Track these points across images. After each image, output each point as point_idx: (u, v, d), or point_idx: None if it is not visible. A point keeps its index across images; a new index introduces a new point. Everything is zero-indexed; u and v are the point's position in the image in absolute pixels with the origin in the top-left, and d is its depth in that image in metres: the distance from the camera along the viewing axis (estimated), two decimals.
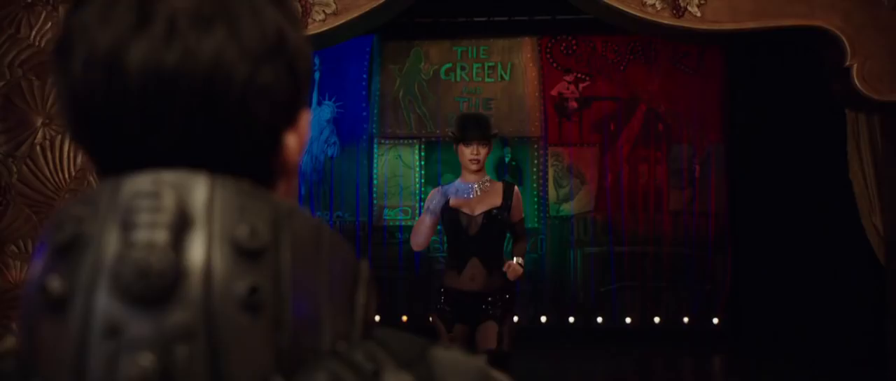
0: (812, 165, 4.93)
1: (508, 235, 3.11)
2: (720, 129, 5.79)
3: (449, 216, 3.00)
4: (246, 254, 0.43)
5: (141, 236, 0.42)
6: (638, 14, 3.23)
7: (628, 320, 5.81)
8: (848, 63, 3.10)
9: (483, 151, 2.99)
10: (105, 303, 0.41)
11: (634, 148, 5.86)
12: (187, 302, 0.41)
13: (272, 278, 0.43)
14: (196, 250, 0.42)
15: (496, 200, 2.99)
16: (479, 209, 2.98)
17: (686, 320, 5.76)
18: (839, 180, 3.81)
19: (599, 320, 5.83)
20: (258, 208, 0.45)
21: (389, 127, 5.97)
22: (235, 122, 0.47)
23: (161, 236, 0.42)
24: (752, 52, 5.34)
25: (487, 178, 3.05)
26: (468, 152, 2.97)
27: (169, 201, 0.43)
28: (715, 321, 5.74)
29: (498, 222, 2.97)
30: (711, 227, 5.78)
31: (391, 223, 5.85)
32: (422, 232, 2.96)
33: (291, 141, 0.51)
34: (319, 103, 5.88)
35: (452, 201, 2.99)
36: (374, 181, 5.93)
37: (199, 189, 0.44)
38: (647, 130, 5.85)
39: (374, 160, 5.93)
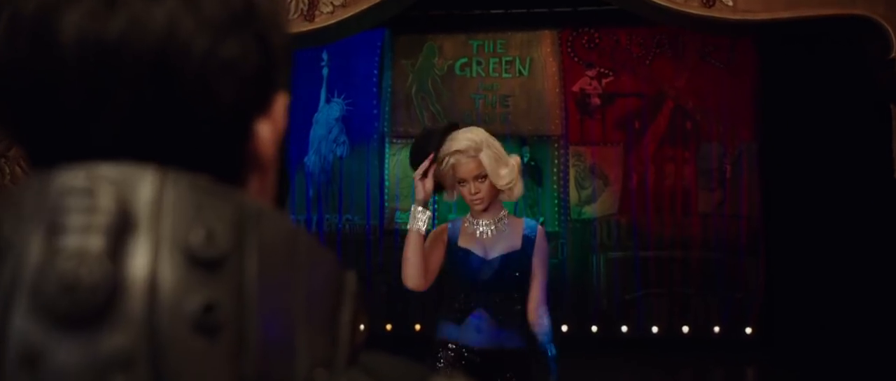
0: (852, 164, 4.85)
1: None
2: (752, 126, 5.73)
3: (457, 257, 2.46)
4: (201, 264, 0.37)
5: (69, 242, 0.36)
6: (665, 3, 3.16)
7: (654, 329, 5.75)
8: (893, 54, 3.01)
9: (484, 185, 2.40)
10: (22, 325, 0.35)
11: (661, 147, 5.81)
12: (126, 323, 0.35)
13: (233, 293, 0.38)
14: (138, 259, 0.36)
15: (516, 241, 2.47)
16: (494, 252, 2.46)
17: (716, 329, 5.70)
18: (881, 180, 3.73)
19: (624, 329, 5.78)
20: (218, 208, 0.39)
21: (401, 125, 5.94)
22: (193, 104, 0.41)
23: (95, 243, 0.36)
24: (787, 43, 5.26)
25: (504, 213, 2.50)
26: (465, 191, 2.42)
27: (106, 199, 0.37)
28: (747, 330, 5.68)
29: (517, 270, 2.45)
30: (743, 230, 5.71)
31: (403, 227, 5.77)
32: (412, 262, 2.42)
33: (264, 130, 0.45)
34: (328, 101, 5.88)
35: (462, 241, 2.48)
36: (386, 182, 5.91)
37: (144, 185, 0.38)
38: (674, 128, 5.80)
39: (386, 160, 5.91)
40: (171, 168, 0.39)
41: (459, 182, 2.40)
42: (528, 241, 2.47)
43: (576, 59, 5.89)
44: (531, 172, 5.88)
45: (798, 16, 3.11)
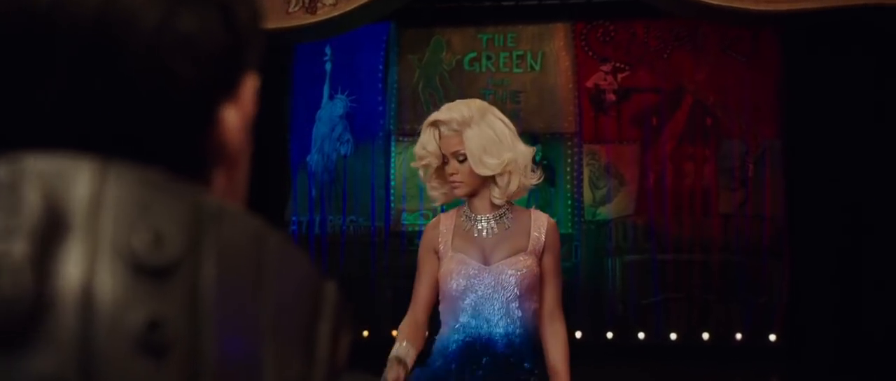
0: (882, 162, 4.79)
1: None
2: (776, 123, 5.66)
3: (451, 266, 2.14)
4: (147, 272, 0.33)
5: None
6: None
7: (673, 336, 5.69)
8: None
9: (463, 167, 2.12)
10: None
11: (679, 145, 5.77)
12: (55, 343, 0.31)
13: (186, 306, 0.34)
14: (71, 268, 0.32)
15: (521, 241, 2.15)
16: (494, 258, 2.14)
17: (738, 336, 5.64)
18: None
19: (641, 336, 5.74)
20: (170, 207, 0.35)
21: (408, 123, 5.90)
22: (143, 85, 0.37)
23: (19, 249, 0.32)
24: (813, 35, 5.19)
25: (506, 207, 2.19)
26: (446, 169, 2.17)
27: (33, 197, 0.33)
28: (771, 337, 5.61)
29: (522, 278, 2.12)
30: (767, 232, 5.66)
31: (410, 228, 5.78)
32: (418, 309, 2.17)
33: (231, 116, 0.41)
34: (331, 98, 5.85)
35: (456, 243, 2.16)
36: (392, 182, 5.88)
37: (80, 181, 0.34)
38: (693, 125, 5.75)
39: (392, 159, 5.88)
40: (116, 160, 0.35)
41: (444, 161, 2.17)
42: (535, 239, 2.16)
43: (590, 53, 5.86)
44: (543, 172, 5.84)
45: (824, 6, 3.05)
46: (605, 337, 5.73)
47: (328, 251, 5.77)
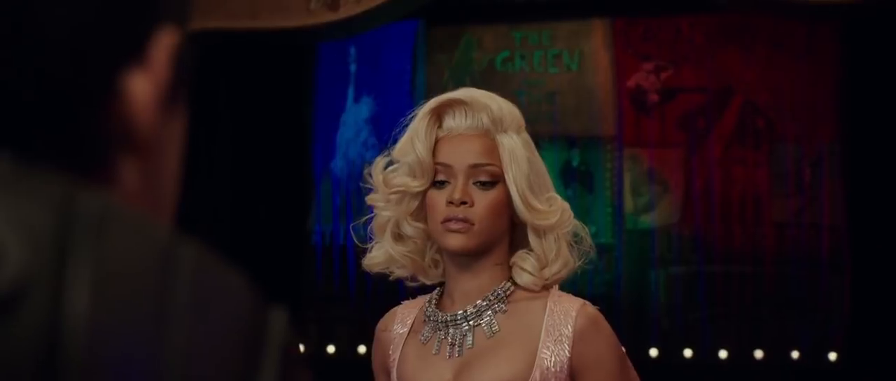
0: None
1: None
2: (835, 124, 5.54)
3: None
4: None
5: None
6: None
7: (723, 354, 5.56)
8: None
9: (486, 197, 1.29)
10: None
11: (728, 148, 5.66)
12: None
13: (38, 353, 0.24)
14: None
15: (519, 360, 1.26)
16: None
17: (794, 354, 5.49)
18: None
19: (687, 353, 5.61)
20: (20, 211, 0.25)
21: None
22: None
23: None
24: (875, 28, 5.02)
25: (508, 285, 1.31)
26: (437, 201, 1.32)
27: None
28: (831, 356, 5.45)
29: None
30: (825, 242, 5.54)
31: None
32: None
33: (138, 85, 0.31)
34: (356, 100, 5.85)
35: (408, 365, 1.35)
36: None
37: None
38: (743, 127, 5.64)
39: None
40: None
41: (436, 182, 1.31)
42: (552, 357, 1.23)
43: (630, 51, 5.77)
44: (581, 178, 5.79)
45: None
46: (649, 355, 5.60)
47: (354, 263, 5.74)
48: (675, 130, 5.73)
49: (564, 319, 1.25)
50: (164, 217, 0.33)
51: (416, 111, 1.39)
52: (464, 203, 1.27)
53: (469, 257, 1.30)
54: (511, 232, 1.34)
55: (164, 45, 0.32)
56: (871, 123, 5.27)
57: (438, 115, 1.35)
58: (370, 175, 1.41)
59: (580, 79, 5.81)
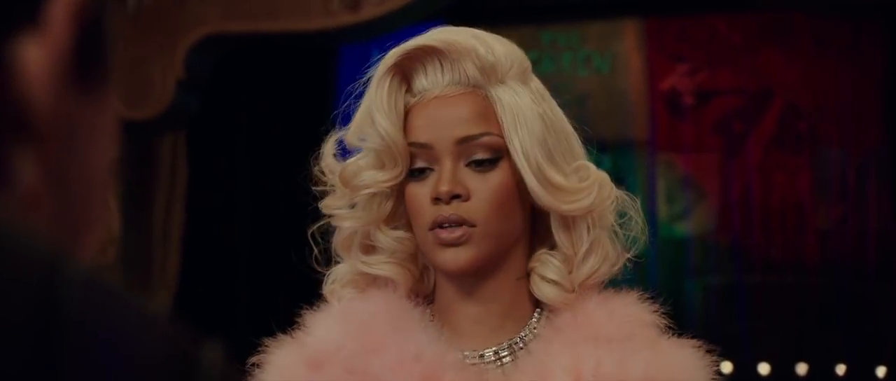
0: None
1: None
2: (882, 127, 5.46)
3: None
4: None
5: None
6: None
7: (764, 368, 5.48)
8: None
9: (487, 183, 0.94)
10: None
11: (768, 153, 5.60)
12: None
13: None
14: None
15: None
16: None
17: (841, 369, 5.41)
18: None
19: (727, 368, 5.55)
20: None
21: None
22: None
23: None
24: None
25: (539, 317, 0.99)
26: (417, 195, 0.94)
27: None
28: (879, 371, 5.35)
29: None
30: (871, 250, 5.45)
31: None
32: None
33: (31, 54, 0.25)
34: None
35: None
36: None
37: None
38: (784, 131, 5.58)
39: None
40: None
41: (413, 171, 0.95)
42: None
43: (664, 52, 5.74)
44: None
45: None
46: None
47: None
48: (711, 134, 5.69)
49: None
50: (79, 223, 0.26)
51: (371, 71, 0.98)
52: (456, 197, 0.90)
53: (475, 278, 0.93)
54: (533, 224, 0.97)
55: (61, 5, 0.26)
56: None
57: (404, 72, 0.96)
58: (322, 171, 1.01)
59: (611, 81, 5.78)
